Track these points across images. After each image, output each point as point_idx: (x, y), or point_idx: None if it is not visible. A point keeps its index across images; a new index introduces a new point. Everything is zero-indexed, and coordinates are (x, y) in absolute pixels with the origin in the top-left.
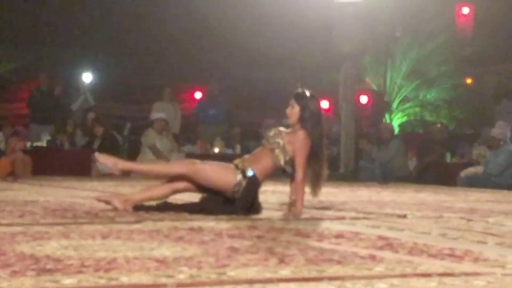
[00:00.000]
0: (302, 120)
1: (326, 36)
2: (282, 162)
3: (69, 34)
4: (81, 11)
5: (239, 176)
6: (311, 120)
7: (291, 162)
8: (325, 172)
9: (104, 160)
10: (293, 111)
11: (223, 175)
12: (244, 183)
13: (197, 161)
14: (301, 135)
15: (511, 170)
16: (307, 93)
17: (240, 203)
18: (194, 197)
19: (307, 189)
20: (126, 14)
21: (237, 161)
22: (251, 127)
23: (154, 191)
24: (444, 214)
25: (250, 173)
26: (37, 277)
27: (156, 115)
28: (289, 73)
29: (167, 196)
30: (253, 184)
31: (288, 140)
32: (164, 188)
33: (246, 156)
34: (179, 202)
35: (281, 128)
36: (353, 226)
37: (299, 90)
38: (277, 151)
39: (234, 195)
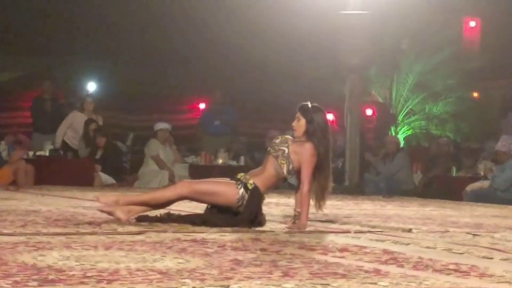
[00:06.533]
0: (308, 133)
1: (332, 48)
2: (285, 171)
3: (73, 44)
4: (86, 21)
5: (241, 190)
6: (317, 133)
7: (294, 172)
8: (330, 185)
9: (106, 200)
10: (299, 124)
11: (224, 191)
12: (246, 197)
13: (195, 181)
14: (308, 147)
15: None
16: (313, 106)
17: (243, 216)
18: (197, 207)
19: (311, 202)
20: (131, 25)
21: (240, 175)
22: (255, 138)
23: (158, 195)
24: (449, 229)
25: (251, 185)
26: (39, 287)
27: (159, 125)
28: (295, 85)
29: (171, 201)
30: (256, 196)
31: (293, 150)
32: (168, 192)
33: (252, 171)
34: (182, 213)
35: (288, 136)
36: (357, 239)
37: (305, 102)
38: (281, 159)
39: (239, 209)
